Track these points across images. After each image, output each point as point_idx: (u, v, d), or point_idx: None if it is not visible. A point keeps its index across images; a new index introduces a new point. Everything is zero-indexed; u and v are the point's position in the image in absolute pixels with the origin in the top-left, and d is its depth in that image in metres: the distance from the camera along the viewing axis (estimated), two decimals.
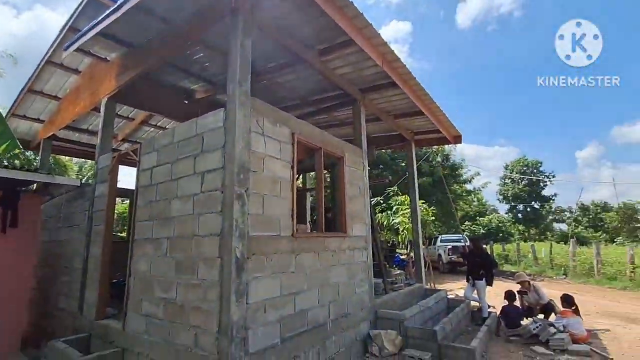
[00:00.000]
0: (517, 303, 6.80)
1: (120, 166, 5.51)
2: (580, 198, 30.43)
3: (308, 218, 9.89)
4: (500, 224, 34.60)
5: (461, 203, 23.66)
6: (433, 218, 13.70)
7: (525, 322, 6.34)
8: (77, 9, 5.39)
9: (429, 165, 18.57)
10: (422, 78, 6.04)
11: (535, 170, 40.17)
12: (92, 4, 5.15)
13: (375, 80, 6.01)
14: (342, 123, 8.23)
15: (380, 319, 5.55)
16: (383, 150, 17.65)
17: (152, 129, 8.98)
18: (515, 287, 7.11)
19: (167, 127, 8.84)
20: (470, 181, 22.70)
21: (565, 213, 43.02)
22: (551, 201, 40.64)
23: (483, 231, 31.00)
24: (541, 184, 40.55)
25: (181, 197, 3.95)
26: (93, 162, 5.95)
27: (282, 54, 5.39)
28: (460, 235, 16.39)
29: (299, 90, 6.74)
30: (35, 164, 10.04)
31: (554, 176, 40.64)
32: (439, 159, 18.78)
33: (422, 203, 12.11)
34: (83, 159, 21.45)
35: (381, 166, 18.83)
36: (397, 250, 17.13)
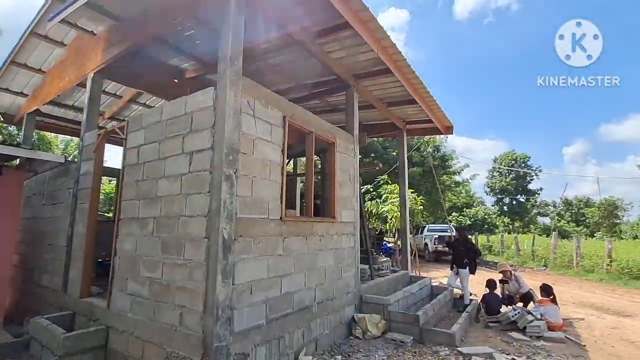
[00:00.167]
0: (498, 291, 7.01)
1: (107, 145, 5.40)
2: (565, 193, 31.24)
3: (298, 204, 9.90)
4: (486, 216, 35.28)
5: (449, 194, 23.98)
6: (421, 207, 13.86)
7: (504, 309, 6.54)
8: None
9: (419, 156, 18.69)
10: (417, 67, 6.02)
11: (523, 164, 40.84)
12: None
13: (369, 66, 5.95)
14: (335, 109, 8.17)
15: (365, 304, 5.66)
16: (375, 139, 17.68)
17: (140, 107, 8.77)
18: (497, 277, 7.31)
19: (155, 106, 8.65)
20: (459, 173, 22.97)
21: (549, 207, 44.07)
22: (536, 195, 41.54)
23: (469, 222, 31.59)
24: (528, 178, 41.33)
25: (168, 176, 3.89)
26: (79, 139, 5.79)
27: (275, 35, 5.27)
28: (447, 226, 16.68)
29: (292, 73, 6.64)
30: (18, 139, 9.75)
31: (540, 171, 41.43)
32: (430, 149, 18.89)
33: (412, 192, 12.24)
34: (69, 137, 20.92)
35: (372, 155, 18.87)
36: (384, 238, 17.38)
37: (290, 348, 4.03)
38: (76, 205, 5.25)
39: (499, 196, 41.53)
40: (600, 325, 6.40)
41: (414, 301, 6.68)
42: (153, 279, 3.78)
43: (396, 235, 14.13)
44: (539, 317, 5.82)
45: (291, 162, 10.34)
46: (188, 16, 4.81)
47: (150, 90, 7.22)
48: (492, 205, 42.75)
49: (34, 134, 9.36)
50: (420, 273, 10.44)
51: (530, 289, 7.05)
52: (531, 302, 6.77)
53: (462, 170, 22.85)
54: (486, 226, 32.86)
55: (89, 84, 5.71)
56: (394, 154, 18.60)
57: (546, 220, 42.02)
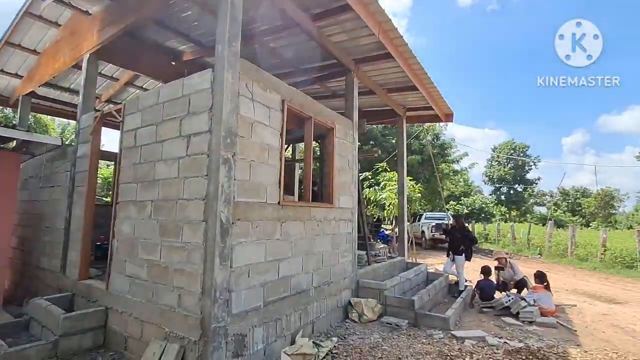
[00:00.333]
0: (493, 278, 7.10)
1: (105, 129, 5.34)
2: (562, 183, 31.36)
3: (296, 190, 9.91)
4: (483, 205, 35.52)
5: (448, 183, 24.00)
6: (419, 195, 13.91)
7: (498, 295, 6.65)
8: None
9: (419, 144, 18.63)
10: (418, 54, 5.94)
11: (522, 154, 40.88)
12: None
13: (370, 50, 5.86)
14: (334, 95, 8.09)
15: (361, 288, 5.74)
16: (374, 126, 17.57)
17: (138, 90, 8.65)
18: (493, 264, 7.39)
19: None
20: (458, 161, 22.93)
21: (546, 197, 44.36)
22: (534, 185, 41.77)
23: (467, 211, 31.82)
24: (526, 168, 41.45)
25: (166, 159, 3.87)
26: (75, 123, 5.73)
27: (275, 16, 5.17)
28: (445, 214, 16.80)
29: (292, 57, 6.54)
30: (14, 121, 9.64)
31: (539, 160, 41.52)
32: (429, 137, 18.82)
33: (410, 180, 12.26)
34: (66, 121, 20.72)
35: (372, 142, 18.80)
36: (382, 225, 17.50)
37: (287, 330, 4.10)
38: (74, 188, 5.23)
39: (497, 185, 41.72)
40: (592, 312, 6.52)
41: (410, 286, 6.77)
42: (151, 261, 3.80)
43: (394, 222, 14.21)
44: (532, 303, 5.92)
45: (290, 148, 10.30)
46: None
47: (147, 72, 7.10)
48: (490, 195, 43.01)
49: (30, 116, 9.25)
50: (417, 260, 10.54)
51: (525, 276, 7.15)
52: (525, 289, 6.88)
53: (461, 159, 22.82)
54: (483, 215, 33.13)
55: (84, 66, 5.61)
56: (393, 141, 18.53)
57: (543, 210, 42.37)
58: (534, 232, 20.28)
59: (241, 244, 3.53)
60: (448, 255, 7.71)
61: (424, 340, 4.43)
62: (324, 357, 3.81)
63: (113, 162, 8.99)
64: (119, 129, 4.64)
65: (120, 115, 4.60)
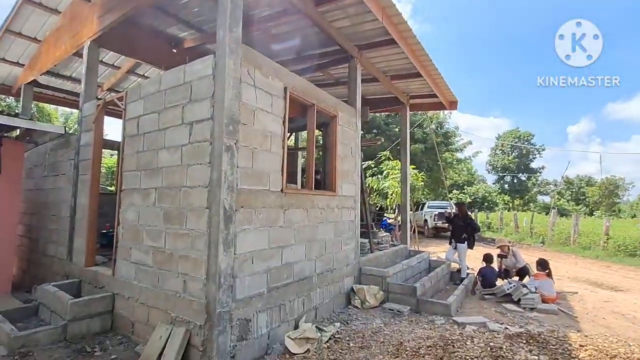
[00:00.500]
0: (495, 266, 7.14)
1: (108, 118, 5.34)
2: (566, 172, 31.07)
3: (299, 178, 9.92)
4: (486, 194, 35.45)
5: (451, 171, 23.92)
6: (422, 184, 13.89)
7: (500, 283, 6.69)
8: None
9: (422, 132, 18.51)
10: (422, 41, 5.83)
11: (526, 143, 40.52)
12: None
13: (373, 36, 5.78)
14: (337, 82, 8.02)
15: (364, 275, 5.79)
16: (377, 115, 17.46)
17: (139, 79, 8.61)
18: (495, 252, 7.42)
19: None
20: (461, 150, 22.81)
21: (550, 186, 44.13)
22: (538, 174, 41.53)
23: (470, 200, 31.78)
24: (530, 157, 41.14)
25: (169, 147, 3.87)
26: (78, 111, 5.72)
27: (276, 1, 5.08)
28: (448, 203, 16.79)
29: (294, 44, 6.45)
30: (17, 110, 9.65)
31: (543, 149, 41.15)
32: (433, 126, 18.67)
33: (413, 169, 12.22)
34: (69, 111, 20.73)
35: (375, 131, 18.69)
36: (385, 214, 17.53)
37: (290, 315, 4.16)
38: (78, 176, 5.27)
39: (501, 174, 41.52)
40: (593, 299, 6.56)
41: (412, 274, 6.82)
42: (156, 248, 3.85)
43: (396, 211, 14.25)
44: (533, 290, 5.96)
45: (292, 136, 10.28)
46: None
47: (148, 60, 7.04)
48: (493, 184, 42.86)
49: (33, 105, 9.25)
50: (419, 248, 10.60)
51: (527, 264, 7.17)
52: (527, 276, 6.91)
53: (465, 147, 22.70)
54: (486, 204, 33.10)
55: (85, 53, 5.58)
56: (396, 130, 18.42)
57: (546, 199, 42.22)
58: (536, 220, 20.27)
59: (244, 230, 3.56)
60: (450, 243, 7.74)
61: (425, 326, 4.49)
62: (327, 342, 3.88)
63: (116, 151, 9.03)
64: (121, 118, 4.64)
65: (122, 104, 4.60)
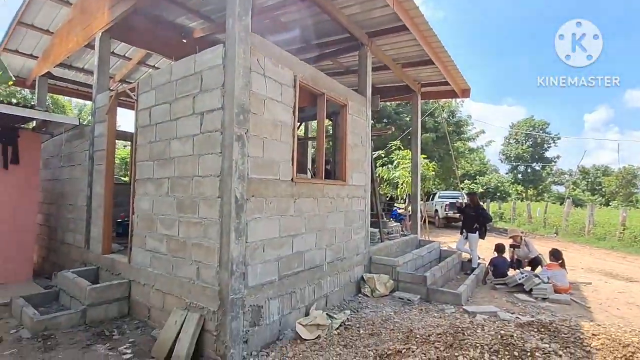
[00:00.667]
0: (507, 256, 7.07)
1: (121, 109, 5.41)
2: (582, 161, 30.29)
3: (309, 168, 9.93)
4: (499, 184, 34.89)
5: (463, 161, 23.57)
6: (433, 174, 13.75)
7: (512, 273, 6.64)
8: None
9: (433, 121, 18.23)
10: (435, 27, 5.70)
11: (541, 131, 39.55)
12: None
13: (384, 23, 5.67)
14: (347, 71, 7.93)
15: (374, 264, 5.82)
16: (388, 104, 17.24)
17: (150, 69, 8.67)
18: (507, 242, 7.35)
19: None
20: (474, 139, 22.40)
21: (565, 176, 43.19)
22: (553, 163, 40.60)
23: (482, 190, 31.34)
24: (545, 146, 40.20)
25: (181, 137, 3.92)
26: (91, 103, 5.82)
27: None
28: (459, 193, 16.62)
29: (303, 32, 6.38)
30: (32, 102, 9.85)
31: (559, 138, 40.16)
32: (444, 114, 18.37)
33: (424, 158, 12.09)
34: (82, 102, 21.07)
35: (385, 120, 18.49)
36: (395, 204, 17.47)
37: (301, 302, 4.23)
38: (93, 166, 5.38)
39: (514, 164, 40.74)
40: (607, 290, 6.47)
41: (422, 263, 6.82)
42: (170, 236, 3.93)
43: (406, 201, 14.17)
44: (545, 280, 5.90)
45: (302, 126, 10.25)
46: None
47: (159, 50, 7.07)
48: (506, 173, 42.10)
49: (48, 97, 9.43)
50: (430, 238, 10.57)
51: (539, 254, 7.09)
52: (539, 267, 6.84)
53: (477, 136, 22.27)
54: (498, 194, 32.61)
55: (97, 45, 5.63)
56: (407, 119, 18.18)
57: (561, 189, 41.40)
58: (550, 211, 19.93)
59: (256, 219, 3.60)
60: (462, 233, 7.69)
61: (435, 314, 4.50)
62: (337, 328, 3.94)
63: (129, 142, 9.16)
64: (133, 109, 4.70)
65: (134, 94, 4.65)
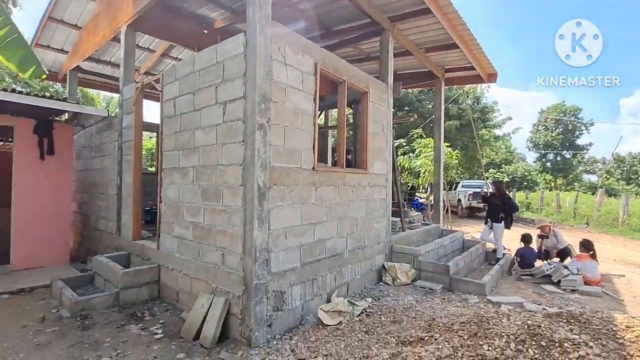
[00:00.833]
0: (534, 246, 6.86)
1: (146, 101, 5.57)
2: (617, 149, 28.65)
3: (329, 158, 9.91)
4: (526, 173, 33.62)
5: (488, 149, 22.84)
6: (457, 162, 13.41)
7: (539, 264, 6.44)
8: None
9: (457, 108, 17.70)
10: (459, 9, 5.46)
11: (573, 118, 37.61)
12: None
13: (406, 6, 5.50)
14: (368, 57, 7.79)
15: (395, 253, 5.79)
16: (409, 91, 16.87)
17: (173, 61, 8.83)
18: (534, 233, 7.11)
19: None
20: (500, 126, 21.61)
21: (598, 164, 41.06)
22: (584, 151, 38.63)
23: (507, 179, 30.34)
24: (577, 133, 38.25)
25: (204, 127, 4.00)
26: (118, 95, 6.01)
27: None
28: (483, 182, 16.16)
29: (323, 18, 6.30)
30: (64, 95, 10.29)
31: (592, 124, 38.06)
32: (469, 101, 17.78)
33: (447, 146, 11.81)
34: (109, 95, 21.82)
35: (406, 108, 18.13)
36: (416, 194, 17.23)
37: (323, 289, 4.28)
38: (122, 156, 5.59)
39: (542, 152, 39.07)
40: None
41: (444, 253, 6.73)
42: (196, 223, 4.06)
43: (428, 190, 13.95)
44: (575, 271, 5.69)
45: (322, 115, 10.20)
46: None
47: (181, 42, 7.18)
48: (534, 162, 40.50)
49: (78, 90, 9.81)
50: (452, 228, 10.38)
51: (569, 245, 6.84)
52: (568, 258, 6.60)
53: (504, 123, 21.47)
54: (525, 183, 31.49)
55: (122, 38, 5.78)
56: (430, 106, 17.75)
57: (593, 178, 39.39)
58: (581, 201, 19.06)
59: (278, 207, 3.65)
60: (486, 223, 7.50)
61: (458, 304, 4.45)
62: (358, 315, 3.97)
63: (154, 133, 9.43)
64: (158, 101, 4.82)
65: (159, 86, 4.76)
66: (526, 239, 6.74)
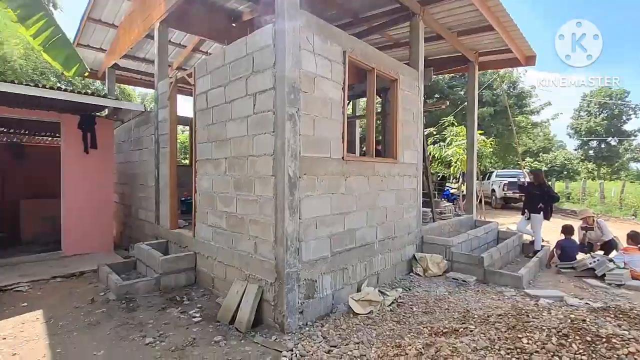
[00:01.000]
0: (576, 238, 6.49)
1: (178, 95, 5.76)
2: None
3: (357, 148, 9.84)
4: (566, 161, 31.69)
5: (524, 137, 21.70)
6: (491, 151, 12.86)
7: (581, 257, 6.10)
8: None
9: (491, 94, 16.90)
10: None
11: (619, 102, 34.81)
12: None
13: None
14: (397, 44, 7.58)
15: (426, 244, 5.69)
16: (439, 78, 16.30)
17: (203, 55, 9.04)
18: (576, 224, 6.72)
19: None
20: (538, 112, 20.41)
21: None
22: (632, 137, 35.73)
23: (546, 168, 28.77)
24: (623, 118, 35.40)
25: (235, 119, 4.08)
26: (153, 91, 6.26)
27: None
28: (519, 172, 15.41)
29: (351, 5, 6.18)
30: (104, 92, 10.85)
31: None
32: (504, 86, 16.91)
33: (480, 134, 11.34)
34: (144, 91, 22.74)
35: (437, 95, 17.55)
36: (446, 184, 16.75)
37: (353, 279, 4.30)
38: (158, 149, 5.84)
39: (585, 138, 36.57)
40: None
41: (478, 244, 6.53)
42: (229, 212, 4.19)
43: (460, 180, 13.51)
44: (622, 265, 5.34)
45: (350, 104, 10.10)
46: None
47: (211, 36, 7.32)
48: (575, 149, 38.05)
49: (116, 87, 10.31)
50: (486, 219, 10.03)
51: (615, 237, 6.41)
52: (614, 251, 6.20)
53: (542, 109, 20.28)
54: (565, 172, 29.72)
55: (156, 34, 5.98)
56: (461, 92, 17.09)
57: None
58: (628, 191, 17.73)
59: (308, 197, 3.68)
60: (523, 214, 7.17)
61: (493, 296, 4.32)
62: (389, 305, 3.96)
63: (187, 127, 9.75)
64: (190, 95, 4.97)
65: (191, 80, 4.90)
66: (568, 230, 6.39)
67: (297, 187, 3.51)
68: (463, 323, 3.05)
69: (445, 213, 7.39)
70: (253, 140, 3.82)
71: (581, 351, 2.32)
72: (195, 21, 6.54)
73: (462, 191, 10.93)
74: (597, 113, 36.01)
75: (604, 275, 5.28)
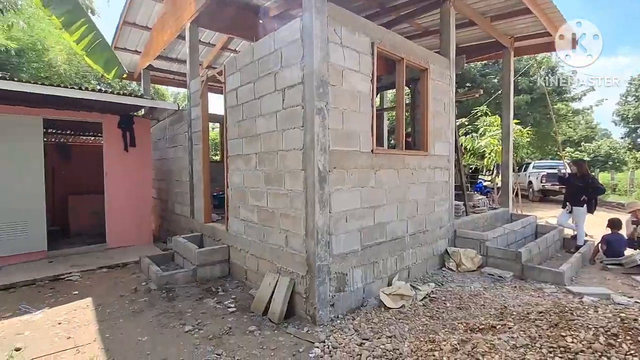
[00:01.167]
0: (623, 233, 6.06)
1: (208, 93, 5.93)
2: None
3: (385, 141, 9.69)
4: (611, 151, 29.47)
5: (564, 125, 20.40)
6: (528, 141, 12.20)
7: (629, 252, 5.68)
8: None
9: (528, 81, 16.00)
10: None
11: None
12: None
13: None
14: (426, 32, 7.34)
15: (459, 238, 5.54)
16: (471, 66, 15.65)
17: (232, 53, 9.22)
18: (624, 217, 6.26)
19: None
20: (580, 98, 19.10)
21: None
22: None
23: (588, 158, 26.95)
24: None
25: (265, 114, 4.14)
26: (185, 90, 6.47)
27: None
28: (559, 162, 14.54)
29: None
30: (140, 93, 11.36)
31: None
32: (542, 72, 15.95)
33: (516, 123, 10.78)
34: (176, 90, 23.57)
35: (468, 84, 16.86)
36: (479, 176, 16.14)
37: (383, 273, 4.27)
38: (192, 146, 6.05)
39: (633, 126, 33.76)
40: None
41: (515, 239, 6.26)
42: (260, 207, 4.28)
43: (494, 172, 12.95)
44: None
45: (377, 96, 9.94)
46: None
47: (239, 34, 7.43)
48: (622, 138, 35.24)
49: (150, 87, 10.77)
50: (523, 212, 9.58)
51: None
52: None
53: (584, 95, 18.94)
54: (611, 162, 27.68)
55: (187, 35, 6.16)
56: (495, 80, 16.33)
57: None
58: None
59: (338, 191, 3.68)
60: (564, 207, 6.77)
61: (532, 293, 4.14)
62: (421, 300, 3.90)
63: (218, 124, 10.02)
64: (220, 93, 5.09)
65: (222, 78, 5.01)
66: (614, 224, 5.97)
67: (326, 180, 3.52)
68: (500, 320, 2.95)
69: (479, 206, 7.14)
70: (282, 135, 3.86)
71: (632, 352, 2.18)
72: (224, 19, 6.66)
73: (497, 183, 10.47)
74: None
75: None
